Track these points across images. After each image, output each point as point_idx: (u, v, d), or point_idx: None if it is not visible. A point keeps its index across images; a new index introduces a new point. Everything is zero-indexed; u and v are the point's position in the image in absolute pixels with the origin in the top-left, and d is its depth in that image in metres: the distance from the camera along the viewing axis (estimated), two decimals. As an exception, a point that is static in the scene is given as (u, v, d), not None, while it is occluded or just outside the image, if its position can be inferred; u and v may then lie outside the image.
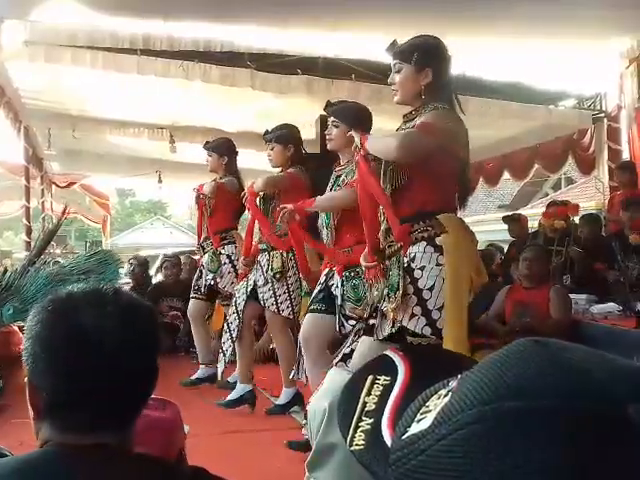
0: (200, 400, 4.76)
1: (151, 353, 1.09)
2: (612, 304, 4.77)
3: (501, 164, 8.84)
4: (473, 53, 5.74)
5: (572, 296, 4.80)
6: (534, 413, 0.42)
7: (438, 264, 2.49)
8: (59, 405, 1.04)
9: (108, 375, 1.01)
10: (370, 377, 0.59)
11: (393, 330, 2.54)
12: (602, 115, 7.21)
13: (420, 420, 0.48)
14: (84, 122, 7.57)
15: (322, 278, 3.61)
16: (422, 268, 2.51)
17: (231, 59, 5.75)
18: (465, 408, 0.44)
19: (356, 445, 0.54)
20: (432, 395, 0.50)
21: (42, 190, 10.28)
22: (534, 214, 9.08)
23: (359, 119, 3.43)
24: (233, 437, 3.90)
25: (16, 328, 5.76)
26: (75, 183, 11.84)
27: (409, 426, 0.49)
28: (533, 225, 7.36)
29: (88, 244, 14.26)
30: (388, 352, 0.63)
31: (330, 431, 1.64)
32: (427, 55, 2.64)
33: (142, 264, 7.72)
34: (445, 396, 0.48)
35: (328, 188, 3.64)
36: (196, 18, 5.18)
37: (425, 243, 2.52)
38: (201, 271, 5.13)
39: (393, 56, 2.70)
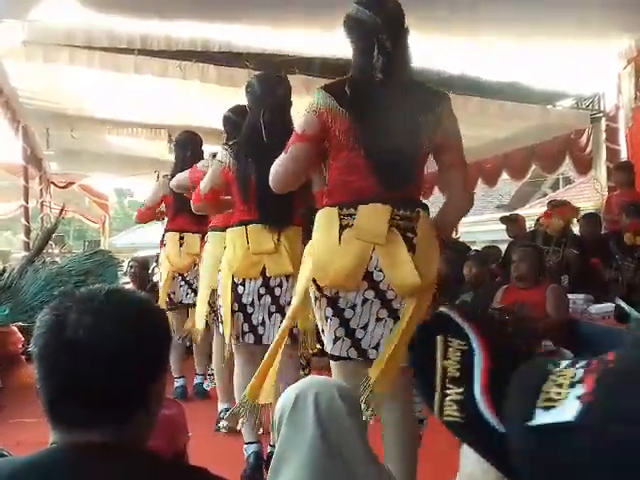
0: (198, 401, 4.77)
1: (142, 351, 1.08)
2: (610, 304, 4.77)
3: (500, 164, 8.85)
4: (472, 53, 5.74)
5: (570, 296, 4.80)
6: None
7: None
8: (50, 402, 1.04)
9: (91, 372, 1.01)
10: (440, 338, 0.58)
11: None
12: (600, 115, 7.22)
13: (548, 408, 0.48)
14: (82, 122, 7.57)
15: None
16: None
17: (229, 59, 5.75)
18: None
19: (449, 416, 0.54)
20: (545, 381, 0.50)
21: (41, 190, 10.27)
22: (532, 214, 9.08)
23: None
24: (230, 438, 3.89)
25: (15, 328, 5.76)
26: (74, 183, 11.85)
27: (532, 412, 0.49)
28: (532, 225, 7.36)
29: (86, 244, 14.23)
30: (446, 310, 0.62)
31: (294, 427, 1.58)
32: (348, 24, 2.44)
33: (142, 265, 7.70)
34: (571, 386, 0.48)
35: None
36: (194, 18, 5.17)
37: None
38: None
39: None
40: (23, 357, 5.93)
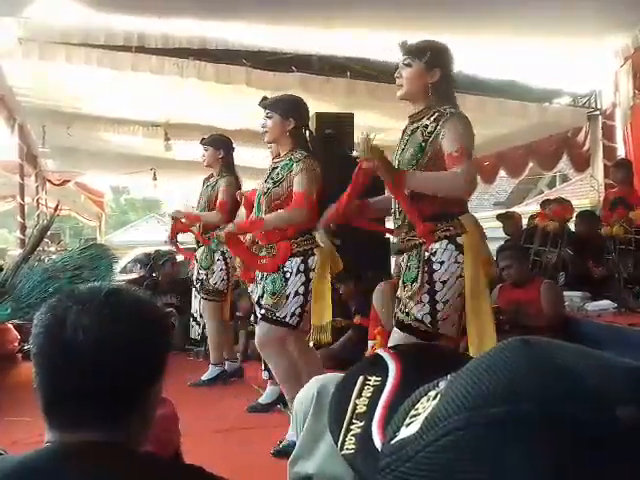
0: (191, 398, 4.75)
1: (142, 353, 1.06)
2: (607, 301, 4.79)
3: (497, 162, 8.85)
4: (469, 51, 5.74)
5: (567, 294, 4.82)
6: (519, 419, 0.41)
7: (457, 262, 2.68)
8: (48, 402, 1.04)
9: (89, 374, 1.00)
10: (361, 378, 0.58)
11: (401, 315, 2.75)
12: (597, 113, 7.22)
13: (409, 424, 0.47)
14: (79, 119, 7.55)
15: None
16: (441, 262, 2.69)
17: (226, 56, 5.74)
18: (452, 414, 0.43)
19: (346, 449, 0.53)
20: (422, 397, 0.49)
21: (37, 187, 10.26)
22: (529, 211, 9.09)
23: (292, 108, 3.52)
24: (226, 436, 3.89)
25: (10, 326, 5.74)
26: (70, 181, 11.83)
27: (398, 430, 0.48)
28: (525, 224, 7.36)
29: (82, 242, 14.21)
30: (380, 351, 0.62)
31: (320, 417, 1.60)
32: (438, 55, 2.78)
33: (143, 262, 7.72)
34: (434, 399, 0.47)
35: (263, 180, 3.65)
36: (191, 16, 5.16)
37: (447, 241, 2.69)
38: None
39: (404, 52, 2.79)
40: (19, 355, 5.92)
